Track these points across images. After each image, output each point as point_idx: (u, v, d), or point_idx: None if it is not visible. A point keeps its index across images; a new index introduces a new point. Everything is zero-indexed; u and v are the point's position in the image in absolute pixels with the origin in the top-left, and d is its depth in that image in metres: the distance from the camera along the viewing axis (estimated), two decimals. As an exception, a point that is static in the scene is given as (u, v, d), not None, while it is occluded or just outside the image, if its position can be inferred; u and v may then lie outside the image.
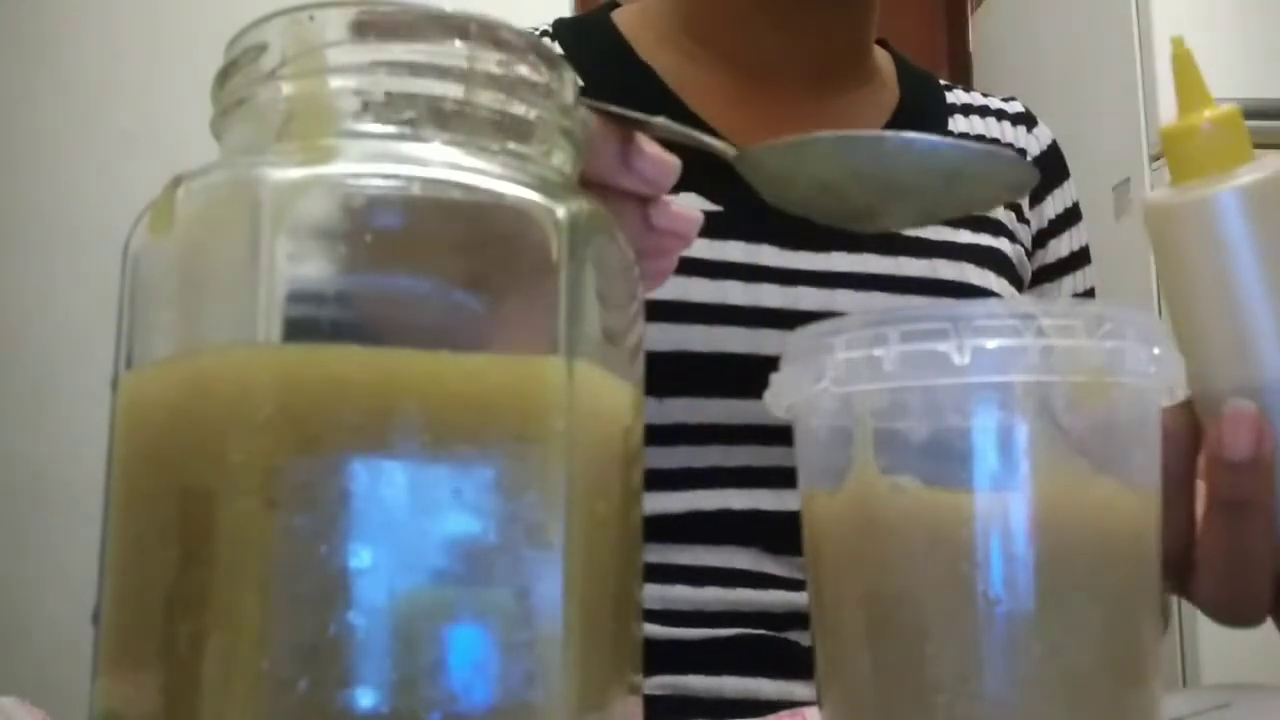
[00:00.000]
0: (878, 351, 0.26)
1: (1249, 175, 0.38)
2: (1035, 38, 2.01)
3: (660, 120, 0.36)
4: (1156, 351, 0.26)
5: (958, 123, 0.70)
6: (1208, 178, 0.38)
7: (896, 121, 0.67)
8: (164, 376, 0.23)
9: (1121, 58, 1.63)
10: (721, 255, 0.59)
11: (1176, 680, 1.41)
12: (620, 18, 0.69)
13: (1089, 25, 1.75)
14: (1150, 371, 0.26)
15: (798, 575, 0.58)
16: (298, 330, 0.21)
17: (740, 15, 0.65)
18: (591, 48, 0.65)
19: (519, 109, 0.25)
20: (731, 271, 0.58)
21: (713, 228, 0.60)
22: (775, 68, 0.65)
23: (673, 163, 0.36)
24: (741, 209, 0.61)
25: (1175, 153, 0.39)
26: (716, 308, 0.57)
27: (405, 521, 0.21)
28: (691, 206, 0.66)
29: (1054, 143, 0.71)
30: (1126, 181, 1.62)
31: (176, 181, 0.23)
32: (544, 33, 0.67)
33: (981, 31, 2.28)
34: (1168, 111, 1.52)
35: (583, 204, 0.24)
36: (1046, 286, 0.69)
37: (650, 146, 0.35)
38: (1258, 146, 0.39)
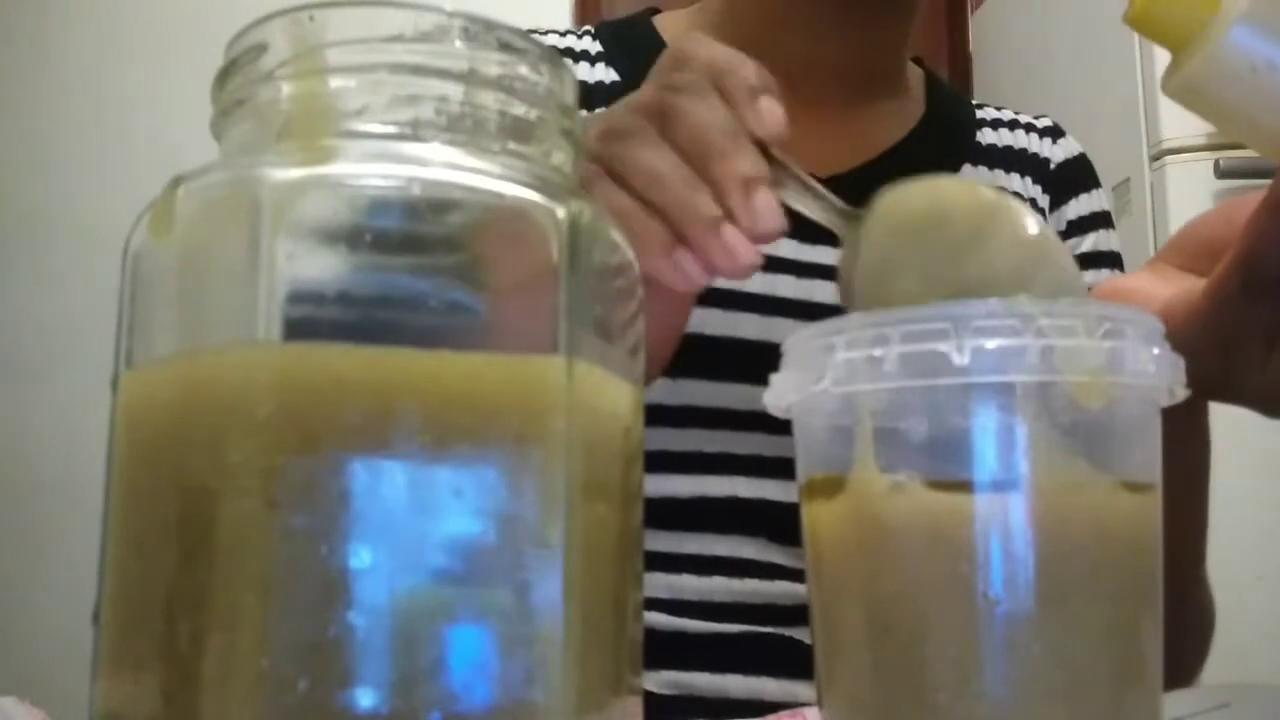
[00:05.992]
0: (878, 351, 0.26)
1: (1237, 4, 0.36)
2: (1035, 38, 2.00)
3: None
4: (1156, 351, 0.26)
5: (985, 135, 0.70)
6: (1205, 30, 0.36)
7: (919, 132, 0.67)
8: (164, 376, 0.23)
9: (1121, 59, 1.63)
10: None
11: (1176, 680, 1.40)
12: (661, 21, 0.70)
13: (1089, 25, 1.75)
14: (1150, 371, 0.26)
15: (805, 566, 0.59)
16: (298, 330, 0.21)
17: (779, 20, 0.65)
18: (627, 48, 0.66)
19: (519, 109, 0.25)
20: None
21: None
22: (806, 74, 0.65)
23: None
24: None
25: (1155, 26, 0.38)
26: (733, 294, 0.58)
27: (405, 521, 0.21)
28: None
29: (1082, 154, 0.72)
30: (1126, 181, 1.62)
31: (176, 182, 0.23)
32: (585, 31, 0.68)
33: (981, 31, 2.28)
34: (1168, 111, 1.52)
35: (583, 204, 0.24)
36: None
37: None
38: (1259, 146, 0.38)
